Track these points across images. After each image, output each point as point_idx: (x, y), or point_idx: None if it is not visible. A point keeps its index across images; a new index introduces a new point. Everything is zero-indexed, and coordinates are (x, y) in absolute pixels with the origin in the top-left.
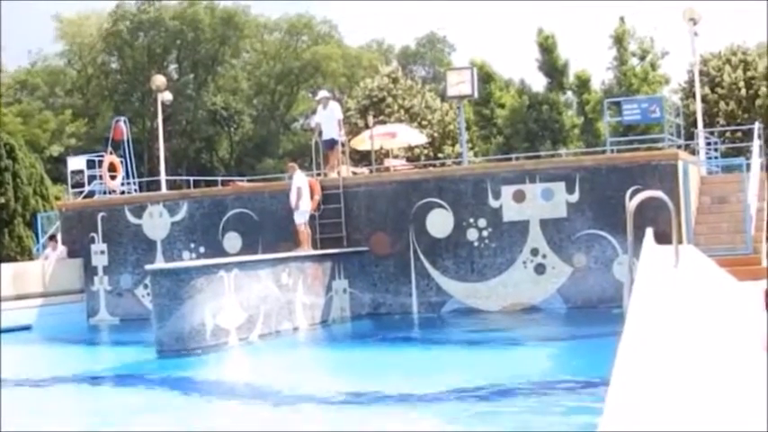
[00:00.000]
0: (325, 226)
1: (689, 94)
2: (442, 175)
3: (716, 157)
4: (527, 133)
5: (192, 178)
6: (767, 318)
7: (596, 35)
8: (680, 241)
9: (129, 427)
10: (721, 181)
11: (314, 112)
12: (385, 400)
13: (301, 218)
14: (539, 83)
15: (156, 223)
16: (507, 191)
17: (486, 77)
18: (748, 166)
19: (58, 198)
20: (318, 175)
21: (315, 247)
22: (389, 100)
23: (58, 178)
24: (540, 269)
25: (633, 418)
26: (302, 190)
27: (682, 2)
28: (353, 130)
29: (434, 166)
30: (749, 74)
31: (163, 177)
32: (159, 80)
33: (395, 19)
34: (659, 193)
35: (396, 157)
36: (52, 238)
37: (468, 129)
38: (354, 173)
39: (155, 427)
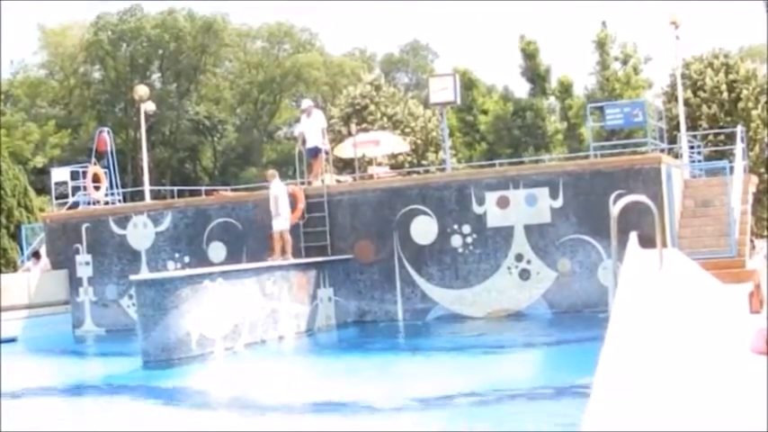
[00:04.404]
0: (309, 234)
1: (671, 97)
2: (426, 182)
3: (699, 161)
4: (510, 139)
5: (175, 188)
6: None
7: (578, 40)
8: (664, 245)
9: None
10: (705, 184)
11: (297, 120)
12: (370, 407)
13: (281, 225)
14: (522, 89)
15: (141, 233)
16: (491, 197)
17: (468, 84)
18: (731, 169)
19: (42, 209)
20: (302, 183)
21: (299, 255)
22: (372, 107)
23: (42, 190)
24: (524, 275)
25: (614, 419)
26: (279, 198)
27: (663, 5)
28: (337, 138)
29: (418, 173)
30: (731, 77)
31: (147, 187)
32: (142, 90)
33: (377, 26)
34: (643, 198)
35: (379, 164)
36: (35, 254)
37: (451, 135)
38: (338, 181)
39: None
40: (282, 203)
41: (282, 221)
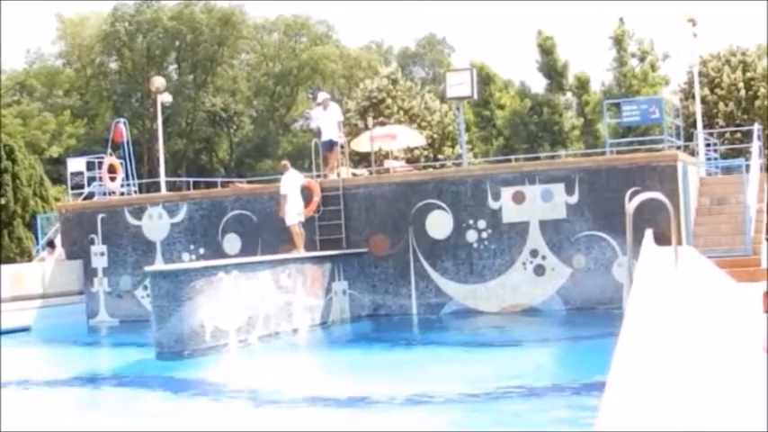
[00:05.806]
0: (324, 227)
1: (688, 95)
2: (442, 177)
3: (715, 159)
4: (527, 135)
5: (191, 179)
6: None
7: (596, 36)
8: (679, 242)
9: (128, 429)
10: (721, 182)
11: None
12: (383, 401)
13: (291, 220)
14: (539, 84)
15: (156, 225)
16: (507, 192)
17: (485, 79)
18: (747, 167)
19: (57, 199)
20: (318, 176)
21: (314, 248)
22: (389, 101)
23: (58, 179)
24: (539, 270)
25: (628, 417)
26: (287, 196)
27: (681, 3)
28: (353, 132)
29: (434, 167)
30: (748, 75)
31: (162, 179)
32: (159, 81)
33: (394, 20)
34: (658, 195)
35: (395, 158)
36: (50, 244)
37: (467, 130)
38: (354, 174)
39: (154, 428)
40: (293, 197)
41: (293, 215)
